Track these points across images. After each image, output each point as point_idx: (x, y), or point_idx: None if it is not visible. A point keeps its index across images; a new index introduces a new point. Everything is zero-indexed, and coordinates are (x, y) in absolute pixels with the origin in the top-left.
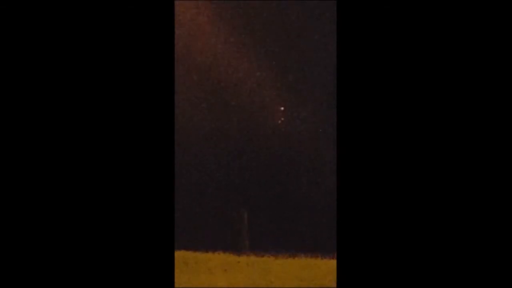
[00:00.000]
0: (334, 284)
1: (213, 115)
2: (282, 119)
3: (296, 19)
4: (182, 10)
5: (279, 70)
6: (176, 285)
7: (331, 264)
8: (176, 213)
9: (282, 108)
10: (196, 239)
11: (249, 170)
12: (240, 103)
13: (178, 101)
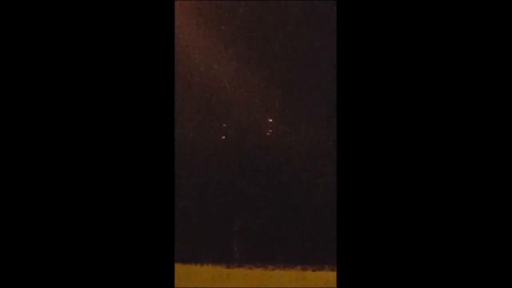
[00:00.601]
0: None
1: (204, 123)
2: (270, 131)
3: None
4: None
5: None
6: None
7: (322, 276)
8: None
9: (271, 120)
10: (187, 251)
11: (240, 182)
12: (230, 111)
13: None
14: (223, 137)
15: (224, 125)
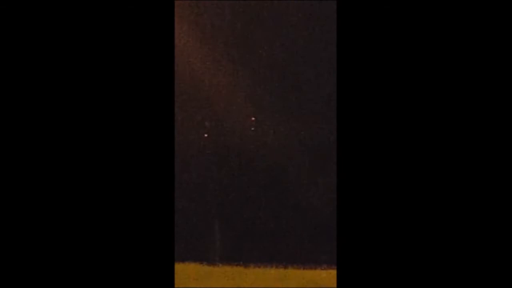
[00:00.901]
0: None
1: (188, 121)
2: (253, 128)
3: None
4: None
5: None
6: None
7: (302, 274)
8: None
9: (253, 118)
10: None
11: (222, 180)
12: (214, 109)
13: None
14: (206, 135)
15: (206, 123)
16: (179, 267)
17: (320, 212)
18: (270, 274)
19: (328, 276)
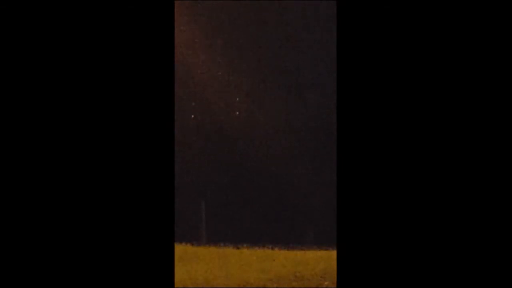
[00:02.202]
0: (292, 275)
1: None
2: (237, 113)
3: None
4: None
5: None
6: None
7: (288, 255)
8: None
9: (238, 99)
10: None
11: (207, 164)
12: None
13: None
14: (192, 116)
15: (193, 103)
16: None
17: (311, 200)
18: (257, 254)
19: (312, 256)
